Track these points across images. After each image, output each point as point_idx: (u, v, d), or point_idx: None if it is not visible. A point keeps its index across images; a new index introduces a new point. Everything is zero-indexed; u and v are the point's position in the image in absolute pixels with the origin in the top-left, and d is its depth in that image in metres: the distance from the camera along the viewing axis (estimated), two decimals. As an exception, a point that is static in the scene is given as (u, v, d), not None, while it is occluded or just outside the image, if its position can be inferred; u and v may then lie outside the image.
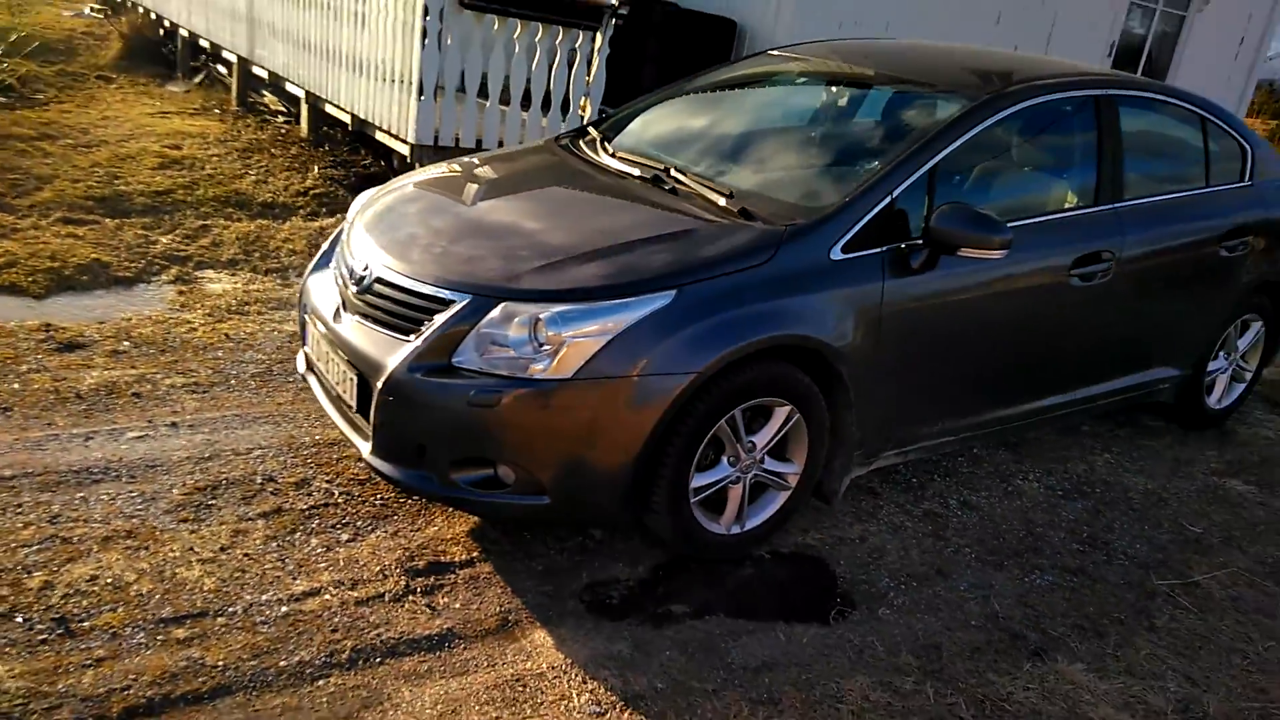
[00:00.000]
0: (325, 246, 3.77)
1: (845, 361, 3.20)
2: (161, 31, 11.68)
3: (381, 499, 3.39)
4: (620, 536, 3.30)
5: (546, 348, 2.84)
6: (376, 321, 3.11)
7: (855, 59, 4.28)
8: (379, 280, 3.15)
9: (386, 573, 2.98)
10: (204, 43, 10.37)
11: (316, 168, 7.53)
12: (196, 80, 11.30)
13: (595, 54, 6.61)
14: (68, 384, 3.91)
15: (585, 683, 2.62)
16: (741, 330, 2.98)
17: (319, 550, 3.05)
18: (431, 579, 2.98)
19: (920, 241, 3.30)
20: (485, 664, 2.66)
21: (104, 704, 2.34)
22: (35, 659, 2.44)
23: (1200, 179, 4.35)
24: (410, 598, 2.89)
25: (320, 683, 2.51)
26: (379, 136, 6.93)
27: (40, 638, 2.51)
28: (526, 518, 3.21)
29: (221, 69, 11.01)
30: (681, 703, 2.60)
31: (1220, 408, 4.90)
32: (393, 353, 2.97)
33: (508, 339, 2.88)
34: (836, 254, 3.20)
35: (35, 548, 2.86)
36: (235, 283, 5.38)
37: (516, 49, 6.34)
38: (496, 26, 6.25)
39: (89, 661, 2.46)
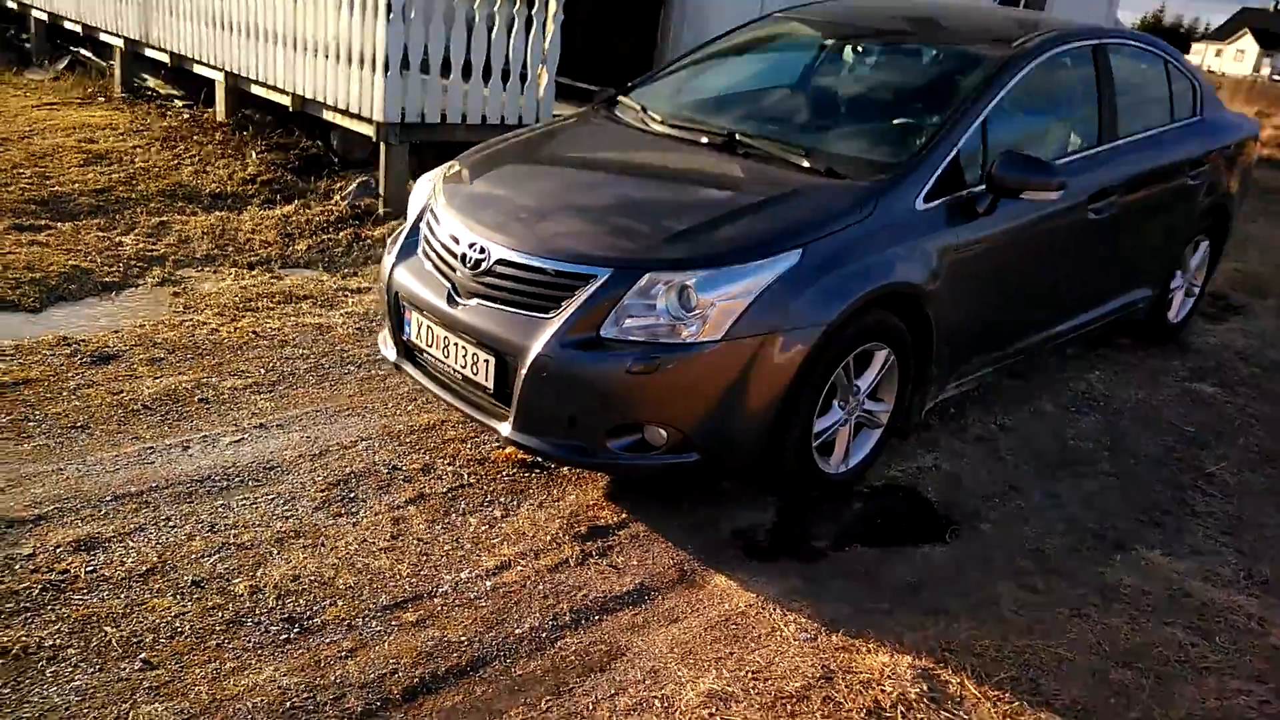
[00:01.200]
0: (404, 233, 3.76)
1: (932, 304, 3.51)
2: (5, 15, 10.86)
3: (509, 475, 3.49)
4: (739, 488, 3.51)
5: (696, 312, 3.01)
6: (505, 303, 3.19)
7: (866, 19, 4.56)
8: (501, 262, 3.22)
9: (558, 541, 3.12)
10: (71, 26, 9.72)
11: (253, 153, 7.28)
12: (60, 66, 10.59)
13: (550, 20, 6.65)
14: (127, 395, 3.81)
15: (784, 615, 2.86)
16: (858, 282, 3.24)
17: (483, 528, 3.15)
18: (599, 542, 3.14)
19: (983, 188, 3.61)
20: (689, 610, 2.86)
21: (382, 688, 2.42)
22: (292, 658, 2.49)
23: (1166, 116, 4.86)
24: (591, 560, 3.04)
25: (559, 644, 2.65)
26: (330, 117, 6.78)
27: (283, 638, 2.55)
28: (672, 476, 3.38)
29: (87, 53, 10.36)
30: (868, 620, 2.87)
31: (1176, 322, 5.52)
32: (535, 331, 3.07)
33: (656, 307, 3.02)
34: (920, 205, 3.49)
35: (215, 557, 2.86)
36: (225, 280, 5.24)
37: (477, 19, 6.31)
38: (455, -1, 6.20)
39: (343, 653, 2.52)
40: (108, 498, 3.11)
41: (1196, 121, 5.07)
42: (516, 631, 2.68)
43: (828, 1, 4.99)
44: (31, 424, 3.53)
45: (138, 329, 4.44)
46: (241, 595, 2.70)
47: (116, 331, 4.40)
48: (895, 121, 4.05)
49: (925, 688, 2.58)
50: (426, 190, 3.89)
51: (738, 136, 3.84)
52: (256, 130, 7.73)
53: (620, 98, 4.51)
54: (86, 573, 2.74)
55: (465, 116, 6.57)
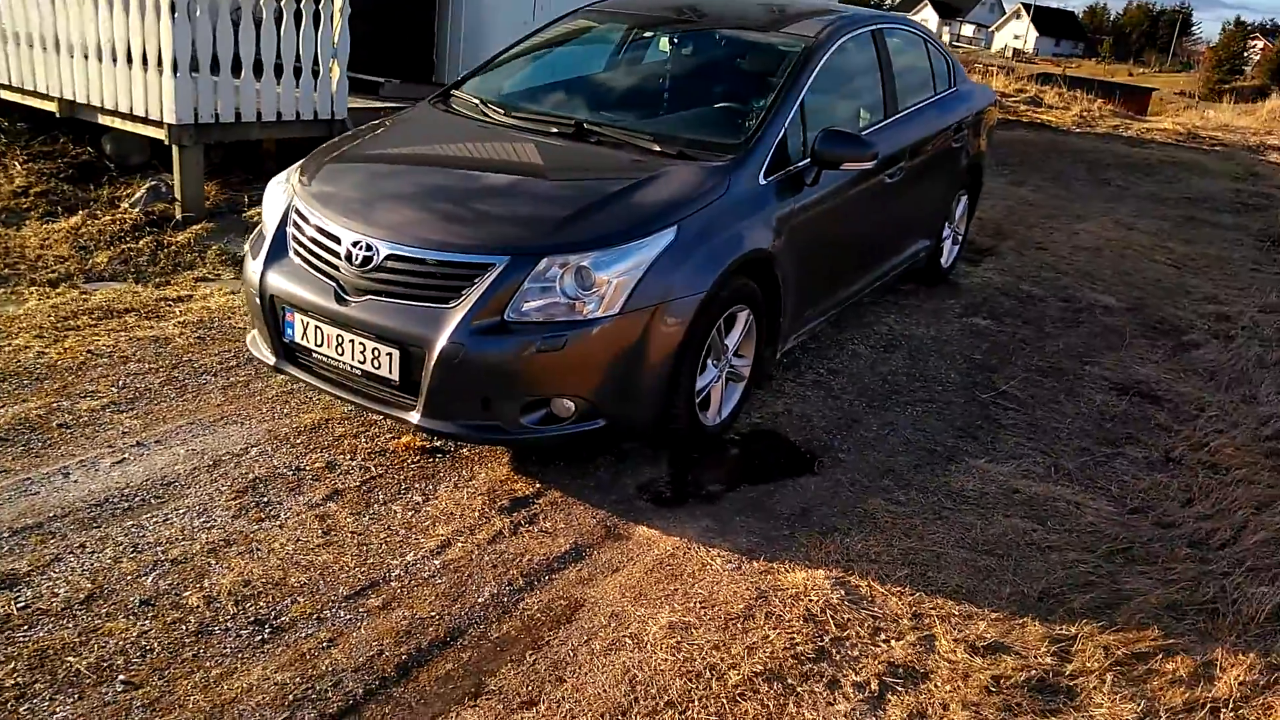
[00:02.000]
0: (268, 237, 3.70)
1: (779, 266, 3.94)
2: None
3: (414, 463, 3.60)
4: (633, 449, 3.81)
5: (594, 290, 3.27)
6: (402, 296, 3.30)
7: (675, 9, 4.92)
8: (393, 258, 3.32)
9: (485, 516, 3.29)
10: None
11: (16, 164, 6.71)
12: None
13: (337, 13, 6.57)
14: (-26, 429, 3.58)
15: (707, 551, 3.20)
16: (725, 252, 3.60)
17: (410, 514, 3.27)
18: (524, 512, 3.34)
19: (808, 162, 4.07)
20: (625, 559, 3.13)
21: (374, 668, 2.53)
22: (275, 655, 2.54)
23: (931, 90, 5.56)
24: (523, 528, 3.24)
25: (522, 605, 2.85)
26: (108, 121, 6.37)
27: (258, 639, 2.59)
28: (579, 443, 3.61)
29: None
30: (777, 546, 3.26)
31: (947, 266, 6.32)
32: (439, 321, 3.21)
33: (556, 288, 3.25)
34: (762, 180, 3.90)
35: (153, 575, 2.82)
36: (28, 300, 4.91)
37: (265, 14, 6.15)
38: (242, -7, 6.01)
39: (324, 644, 2.60)
40: (4, 533, 2.96)
41: (953, 92, 5.82)
42: (479, 600, 2.85)
43: None
44: (-123, 470, 3.26)
45: (-49, 360, 4.12)
46: (198, 606, 2.70)
47: (-73, 365, 4.07)
48: (727, 106, 4.44)
49: (843, 593, 2.99)
50: (280, 192, 3.87)
51: (586, 125, 4.09)
52: (10, 139, 7.10)
53: (454, 91, 4.63)
54: (19, 609, 2.64)
55: (260, 114, 6.38)
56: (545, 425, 3.37)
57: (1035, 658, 2.77)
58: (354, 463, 3.56)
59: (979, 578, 3.19)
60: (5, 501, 3.14)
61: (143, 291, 5.13)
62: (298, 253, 3.59)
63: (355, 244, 3.38)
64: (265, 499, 3.28)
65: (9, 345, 4.33)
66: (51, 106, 6.59)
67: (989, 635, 2.87)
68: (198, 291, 5.22)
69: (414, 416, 3.31)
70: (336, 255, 3.42)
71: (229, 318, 4.80)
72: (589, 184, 3.70)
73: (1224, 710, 2.65)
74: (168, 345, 4.43)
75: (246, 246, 3.87)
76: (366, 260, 3.35)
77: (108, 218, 6.07)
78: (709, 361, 3.77)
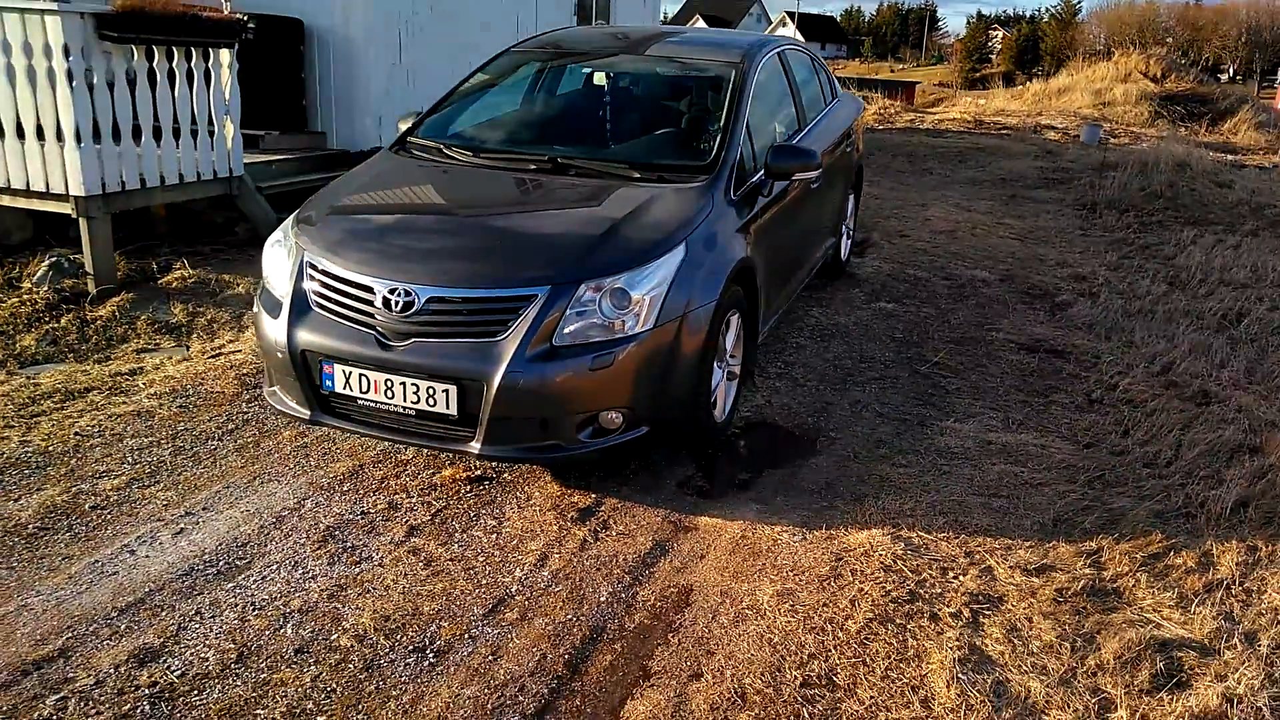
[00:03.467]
0: (285, 296, 3.75)
1: (758, 271, 4.35)
2: None
3: (468, 491, 3.77)
4: (652, 451, 4.10)
5: (631, 308, 3.57)
6: (449, 336, 3.49)
7: (599, 44, 5.26)
8: (434, 300, 3.50)
9: (564, 528, 3.51)
10: None
11: (-113, 254, 6.27)
12: None
13: (226, 70, 6.52)
14: (4, 524, 3.49)
15: (771, 529, 3.55)
16: (724, 263, 3.98)
17: (493, 536, 3.45)
18: (594, 520, 3.58)
19: (762, 175, 4.51)
20: (706, 546, 3.43)
21: (546, 669, 2.74)
22: (452, 675, 2.71)
23: (822, 100, 6.14)
24: (602, 534, 3.49)
25: (640, 598, 3.10)
26: (5, 200, 6.07)
27: (427, 664, 2.75)
28: (626, 450, 3.86)
29: None
30: (825, 516, 3.65)
31: (844, 260, 6.93)
32: (493, 354, 3.43)
33: (596, 310, 3.53)
34: (733, 195, 4.30)
35: (289, 626, 2.90)
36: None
37: (160, 77, 6.05)
38: (136, 56, 5.90)
39: (490, 657, 2.78)
40: (112, 614, 2.96)
41: (837, 102, 6.44)
42: (600, 600, 3.09)
43: (580, 29, 5.61)
44: (-71, 577, 3.15)
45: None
46: (353, 645, 2.81)
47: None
48: (677, 130, 4.82)
49: (903, 546, 3.41)
50: (283, 251, 3.94)
51: (560, 160, 4.37)
52: None
53: (411, 139, 4.79)
54: (178, 678, 2.68)
55: (164, 178, 6.25)
56: (597, 438, 3.62)
57: (1078, 570, 3.28)
58: (414, 500, 3.69)
59: (1000, 515, 3.69)
60: (91, 585, 3.12)
61: (92, 370, 4.99)
62: (323, 307, 3.69)
63: (392, 291, 3.53)
64: (349, 544, 3.38)
65: (-13, 435, 4.16)
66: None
67: (1032, 560, 3.36)
68: (146, 363, 5.11)
69: (474, 446, 3.50)
70: (370, 304, 3.56)
71: (200, 384, 4.76)
72: (597, 212, 3.98)
73: (1234, 586, 3.24)
74: (154, 418, 4.37)
75: (256, 307, 3.91)
76: (407, 306, 3.50)
77: (14, 300, 5.80)
78: (715, 364, 4.12)
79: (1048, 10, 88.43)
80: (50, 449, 4.04)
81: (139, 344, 5.44)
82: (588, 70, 5.33)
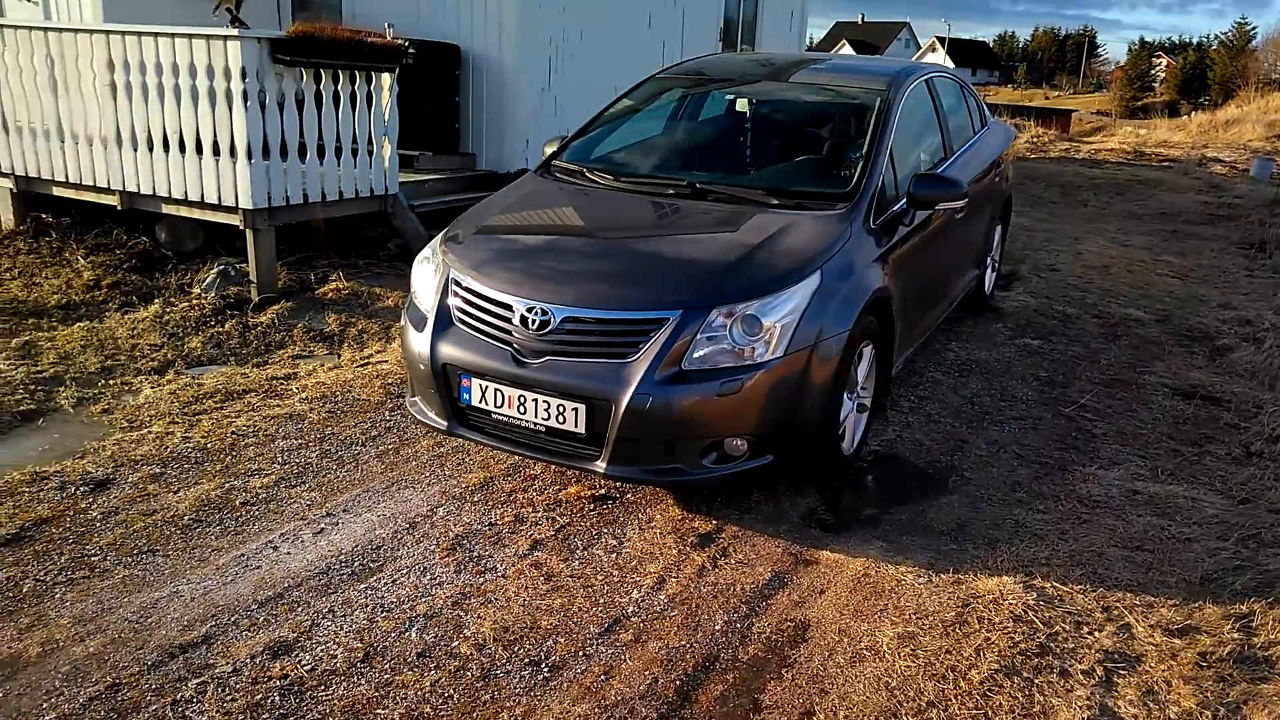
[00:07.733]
0: (430, 311, 3.90)
1: (894, 302, 4.26)
2: None
3: (591, 510, 3.82)
4: (777, 482, 4.06)
5: (761, 335, 3.55)
6: (581, 355, 3.55)
7: (742, 71, 5.28)
8: (570, 319, 3.57)
9: (683, 553, 3.52)
10: None
11: (80, 259, 6.83)
12: None
13: (387, 93, 6.84)
14: (162, 515, 3.73)
15: (895, 569, 3.46)
16: (859, 292, 3.92)
17: (613, 556, 3.49)
18: (714, 547, 3.58)
19: (905, 204, 4.42)
20: (825, 581, 3.38)
21: (657, 694, 2.75)
22: (565, 691, 2.74)
23: (971, 129, 5.99)
24: (721, 561, 3.48)
25: (755, 629, 3.08)
26: (174, 210, 6.54)
27: (540, 678, 2.79)
28: (750, 479, 3.86)
29: None
30: (952, 559, 3.54)
31: (989, 293, 6.72)
32: (623, 375, 3.47)
33: (727, 336, 3.53)
34: (872, 223, 4.22)
35: (414, 630, 3.01)
36: (143, 389, 5.04)
37: (325, 98, 6.39)
38: (304, 79, 6.26)
39: (602, 676, 2.81)
40: (252, 606, 3.13)
41: (987, 130, 6.26)
42: (716, 628, 3.08)
43: (718, 57, 5.68)
44: (95, 558, 3.40)
45: (103, 450, 4.25)
46: (472, 654, 2.89)
47: (82, 457, 4.20)
48: (818, 158, 4.79)
49: (1035, 595, 3.28)
50: (431, 269, 4.09)
51: (699, 186, 4.40)
52: (64, 234, 7.22)
53: (555, 162, 4.91)
54: (307, 672, 2.81)
55: (325, 194, 6.60)
56: (721, 464, 3.62)
57: (1225, 634, 3.08)
58: (539, 514, 3.77)
59: (1143, 570, 3.49)
60: (237, 577, 3.30)
61: (251, 373, 5.29)
62: (464, 322, 3.82)
63: (530, 310, 3.63)
64: (475, 554, 3.48)
65: (150, 433, 4.47)
66: (112, 200, 6.74)
67: (1176, 620, 3.17)
68: (301, 369, 5.39)
69: (600, 466, 3.54)
70: (509, 321, 3.66)
71: (348, 391, 4.99)
72: (733, 238, 3.99)
73: (1406, 665, 2.98)
74: (304, 421, 4.61)
75: (403, 320, 4.08)
76: (544, 324, 3.59)
77: (185, 305, 6.21)
78: (845, 395, 4.05)
79: (1217, 37, 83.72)
80: (209, 446, 4.31)
81: (294, 350, 5.75)
82: (730, 96, 5.36)
